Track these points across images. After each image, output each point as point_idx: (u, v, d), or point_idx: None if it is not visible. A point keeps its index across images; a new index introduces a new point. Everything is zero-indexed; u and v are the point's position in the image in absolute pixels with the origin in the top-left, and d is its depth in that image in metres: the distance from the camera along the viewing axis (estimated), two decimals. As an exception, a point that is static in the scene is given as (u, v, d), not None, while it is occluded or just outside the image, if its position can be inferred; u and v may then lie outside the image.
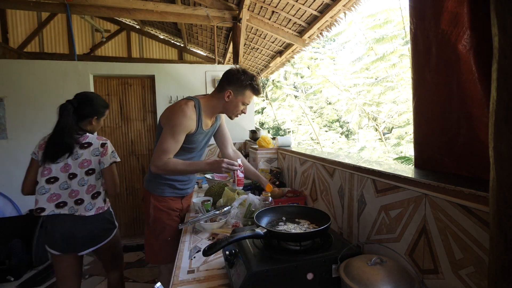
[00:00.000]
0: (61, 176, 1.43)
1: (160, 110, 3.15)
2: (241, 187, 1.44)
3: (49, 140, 1.42)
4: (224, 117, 1.60)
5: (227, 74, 1.39)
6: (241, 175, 1.40)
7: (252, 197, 1.38)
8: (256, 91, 1.41)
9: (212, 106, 1.41)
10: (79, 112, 1.48)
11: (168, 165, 1.30)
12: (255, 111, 10.35)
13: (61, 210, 1.42)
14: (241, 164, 1.39)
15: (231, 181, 1.50)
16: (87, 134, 1.50)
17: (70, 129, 1.42)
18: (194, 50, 5.79)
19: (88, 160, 1.46)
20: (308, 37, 3.54)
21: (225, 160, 1.34)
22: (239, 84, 1.36)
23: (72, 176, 1.44)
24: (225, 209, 1.34)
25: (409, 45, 3.77)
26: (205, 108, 1.39)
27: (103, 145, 1.50)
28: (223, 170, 1.34)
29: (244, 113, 1.47)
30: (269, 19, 3.47)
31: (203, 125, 1.40)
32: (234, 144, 1.88)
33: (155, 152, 1.31)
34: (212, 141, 1.61)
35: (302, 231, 0.89)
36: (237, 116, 1.46)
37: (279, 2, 3.05)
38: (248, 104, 1.44)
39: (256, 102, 11.42)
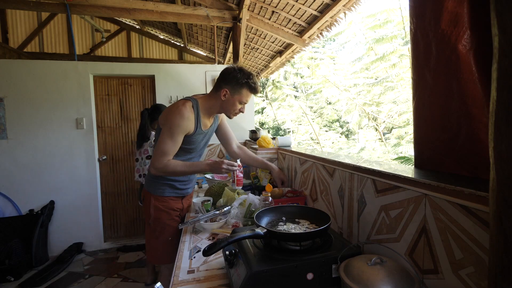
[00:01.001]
0: (139, 158, 2.37)
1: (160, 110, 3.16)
2: (240, 187, 1.48)
3: (137, 134, 2.35)
4: (224, 115, 1.61)
5: (224, 72, 1.37)
6: (240, 175, 1.44)
7: (252, 197, 1.38)
8: (253, 90, 1.38)
9: (210, 106, 1.40)
10: (151, 116, 2.33)
11: (168, 167, 1.30)
12: (255, 111, 10.34)
13: (141, 179, 2.36)
14: (240, 164, 1.41)
15: (231, 181, 1.55)
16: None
17: (147, 127, 2.30)
18: (194, 50, 5.79)
19: (146, 149, 2.34)
20: (308, 37, 3.54)
21: (225, 161, 1.35)
22: (235, 83, 1.34)
23: (141, 158, 2.36)
24: (225, 209, 1.34)
25: (409, 45, 3.78)
26: (203, 108, 1.38)
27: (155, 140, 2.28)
28: (223, 171, 1.35)
29: (242, 112, 1.44)
30: (269, 19, 3.47)
31: (201, 126, 1.39)
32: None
33: (154, 154, 1.31)
34: (212, 141, 1.61)
35: (302, 231, 0.89)
36: (235, 115, 1.43)
37: (279, 2, 3.05)
38: (246, 103, 1.42)
39: (256, 102, 11.41)
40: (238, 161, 1.42)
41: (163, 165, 1.29)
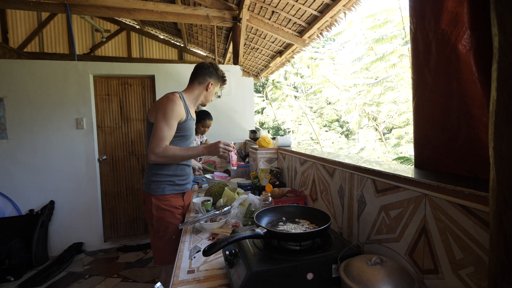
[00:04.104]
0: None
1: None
2: (235, 168, 1.57)
3: None
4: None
5: (205, 67, 1.57)
6: (234, 156, 1.53)
7: (252, 197, 1.38)
8: (225, 82, 1.69)
9: (195, 96, 1.57)
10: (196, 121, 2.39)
11: (167, 151, 1.35)
12: (255, 111, 10.33)
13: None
14: (234, 146, 1.52)
15: (226, 162, 1.65)
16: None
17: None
18: (194, 50, 5.79)
19: None
20: (308, 37, 3.54)
21: (222, 141, 1.44)
22: (216, 77, 1.60)
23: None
24: (225, 209, 1.34)
25: (409, 45, 3.78)
26: (188, 99, 1.54)
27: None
28: (220, 151, 1.43)
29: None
30: (269, 19, 3.47)
31: (191, 114, 1.51)
32: (234, 143, 1.96)
33: (152, 141, 1.35)
34: None
35: (302, 231, 0.89)
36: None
37: (279, 2, 3.05)
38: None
39: (256, 102, 11.40)
40: (232, 142, 1.48)
41: (163, 149, 1.34)
